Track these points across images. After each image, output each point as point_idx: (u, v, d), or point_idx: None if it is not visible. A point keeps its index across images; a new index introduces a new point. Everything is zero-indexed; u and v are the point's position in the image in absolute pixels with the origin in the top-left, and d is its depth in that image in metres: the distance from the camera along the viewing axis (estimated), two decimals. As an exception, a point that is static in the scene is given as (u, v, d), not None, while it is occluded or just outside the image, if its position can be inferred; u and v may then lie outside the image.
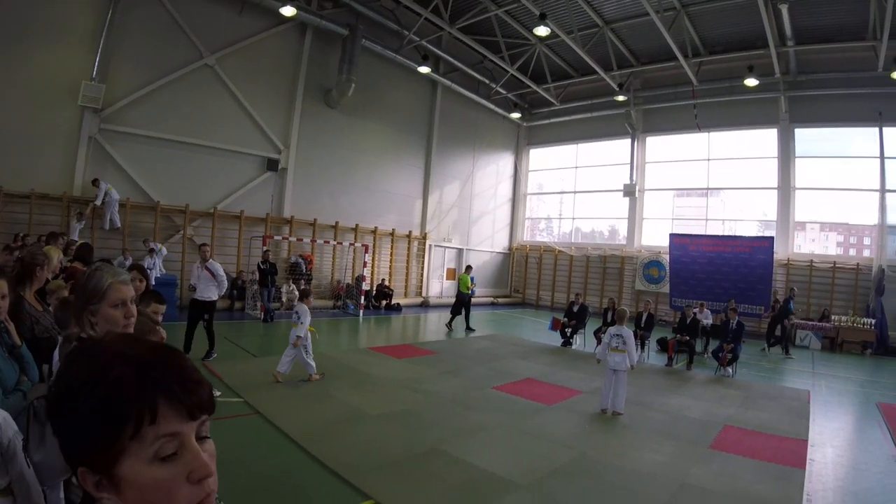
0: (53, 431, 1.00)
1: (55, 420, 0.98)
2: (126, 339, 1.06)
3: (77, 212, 15.69)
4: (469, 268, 20.45)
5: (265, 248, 18.17)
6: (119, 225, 16.25)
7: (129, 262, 14.86)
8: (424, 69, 23.92)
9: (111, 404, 0.92)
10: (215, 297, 11.37)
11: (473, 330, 18.87)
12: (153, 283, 15.19)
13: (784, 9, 17.32)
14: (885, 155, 21.20)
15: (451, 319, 19.18)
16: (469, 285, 19.29)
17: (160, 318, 4.17)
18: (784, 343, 18.51)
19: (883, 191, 21.16)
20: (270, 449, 6.68)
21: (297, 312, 10.02)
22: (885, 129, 21.15)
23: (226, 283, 11.69)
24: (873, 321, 19.88)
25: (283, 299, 19.76)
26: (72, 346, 2.77)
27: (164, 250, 16.65)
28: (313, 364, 9.99)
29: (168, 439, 0.94)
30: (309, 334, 9.94)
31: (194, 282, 11.21)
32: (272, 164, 20.35)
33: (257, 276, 17.87)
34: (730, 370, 13.83)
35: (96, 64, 15.76)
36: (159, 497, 0.93)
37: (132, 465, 0.92)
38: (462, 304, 19.19)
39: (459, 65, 25.00)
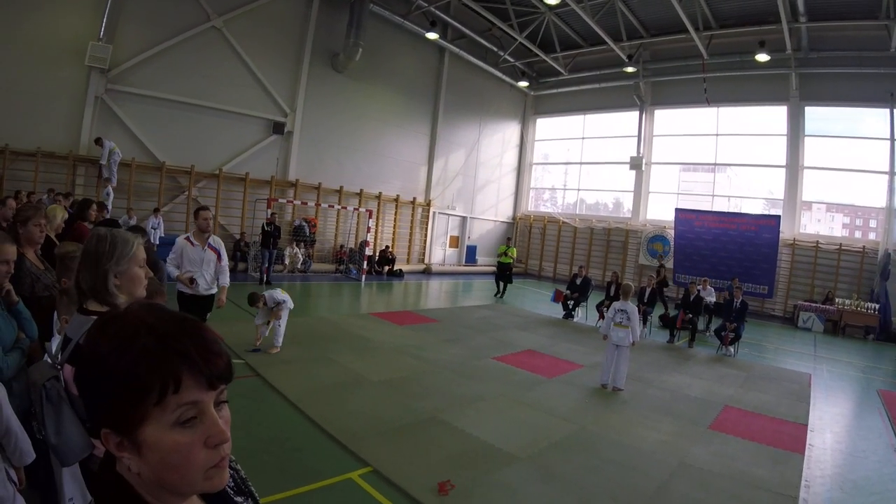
0: (80, 394, 1.08)
1: (82, 385, 1.06)
2: (150, 309, 1.08)
3: (105, 177, 15.75)
4: (509, 240, 22.44)
5: (271, 211, 18.15)
6: (115, 182, 16.15)
7: (132, 222, 14.90)
8: (432, 35, 23.70)
9: (137, 373, 0.97)
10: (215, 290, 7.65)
11: (502, 297, 20.39)
12: (157, 243, 15.34)
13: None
14: (895, 137, 20.94)
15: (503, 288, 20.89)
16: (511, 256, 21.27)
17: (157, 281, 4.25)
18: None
19: (892, 173, 20.95)
20: (270, 412, 6.72)
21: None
22: (896, 111, 20.88)
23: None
24: (877, 306, 19.78)
25: (286, 262, 19.78)
26: (72, 301, 2.75)
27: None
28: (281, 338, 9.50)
29: (189, 407, 1.00)
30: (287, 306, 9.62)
31: (190, 268, 7.30)
32: (278, 127, 20.26)
33: (261, 237, 17.80)
34: (732, 349, 13.84)
35: (103, 24, 15.66)
36: (178, 460, 0.99)
37: (154, 429, 0.98)
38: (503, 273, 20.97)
39: (467, 32, 24.69)
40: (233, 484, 1.27)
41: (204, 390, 1.02)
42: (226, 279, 7.63)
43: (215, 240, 7.62)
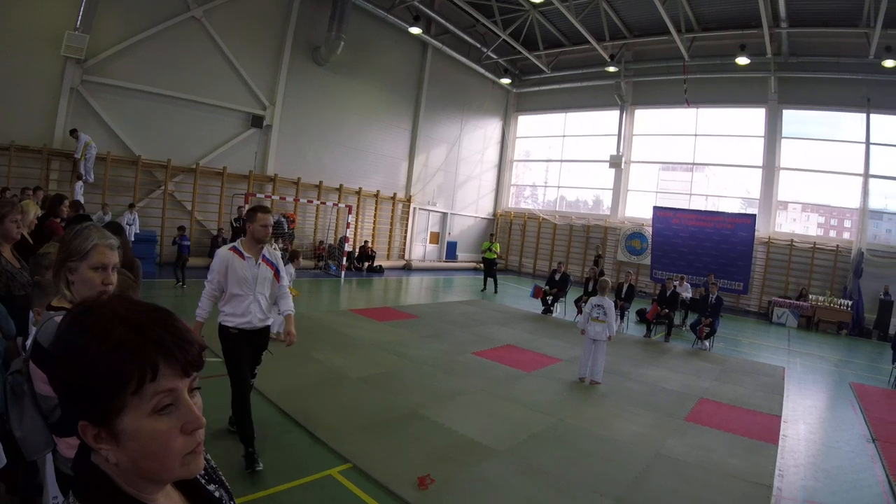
0: (54, 388, 1.06)
1: (56, 378, 1.05)
2: (122, 301, 1.10)
3: (77, 173, 15.51)
4: (492, 235, 22.78)
5: (240, 206, 17.99)
6: (91, 179, 15.93)
7: (108, 218, 14.71)
8: (416, 30, 23.64)
9: (114, 364, 0.98)
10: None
11: (496, 292, 21.13)
12: (132, 239, 15.16)
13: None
14: (871, 141, 21.33)
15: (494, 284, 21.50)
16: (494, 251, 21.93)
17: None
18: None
19: (866, 175, 21.36)
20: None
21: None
22: (872, 116, 21.26)
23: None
24: (850, 303, 20.23)
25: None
26: (44, 293, 2.74)
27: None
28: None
29: (165, 394, 1.02)
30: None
31: (238, 290, 5.31)
32: (257, 121, 20.10)
33: (231, 233, 17.62)
34: (707, 343, 14.05)
35: (81, 13, 15.35)
36: (156, 447, 1.02)
37: (132, 418, 1.00)
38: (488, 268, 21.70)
39: (451, 27, 24.70)
40: (204, 473, 1.29)
41: (179, 378, 1.04)
42: (289, 304, 5.74)
43: (271, 252, 5.55)
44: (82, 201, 14.84)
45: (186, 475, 1.09)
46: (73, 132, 15.30)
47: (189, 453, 1.05)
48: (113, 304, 1.07)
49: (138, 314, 1.05)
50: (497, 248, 22.35)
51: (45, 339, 2.19)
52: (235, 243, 5.36)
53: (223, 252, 5.29)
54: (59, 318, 2.26)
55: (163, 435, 1.02)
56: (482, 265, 22.47)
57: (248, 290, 5.27)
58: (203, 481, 1.27)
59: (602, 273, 18.04)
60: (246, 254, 5.26)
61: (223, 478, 1.36)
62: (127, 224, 15.53)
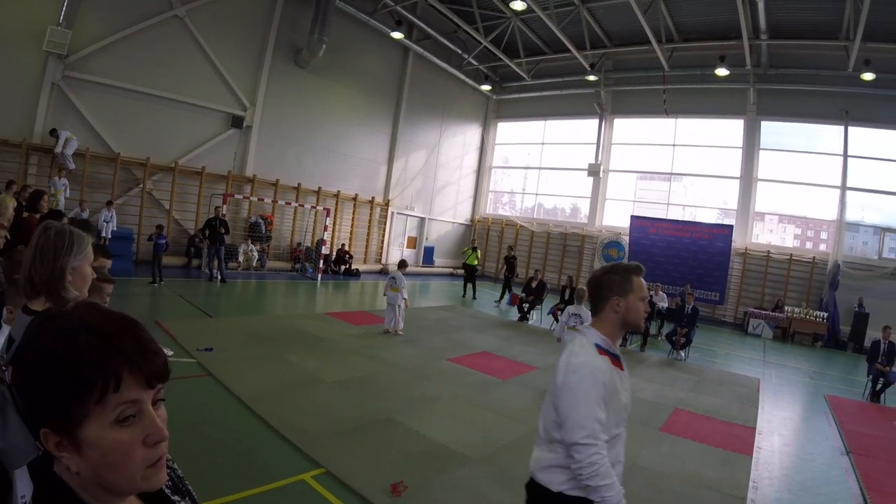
0: (18, 393, 1.06)
1: (21, 384, 1.03)
2: (90, 308, 1.09)
3: (57, 166, 15.32)
4: (474, 241, 23.12)
5: (217, 206, 17.79)
6: (72, 166, 15.70)
7: (85, 215, 14.56)
8: (397, 35, 23.64)
9: (78, 372, 0.98)
10: None
11: (475, 298, 21.37)
12: (109, 236, 15.00)
13: (760, 1, 17.45)
14: (849, 153, 21.61)
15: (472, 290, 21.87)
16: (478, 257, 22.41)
17: (107, 273, 4.21)
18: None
19: (844, 188, 21.63)
20: (221, 412, 6.60)
21: (393, 277, 12.39)
22: (850, 128, 21.56)
23: None
24: (826, 314, 20.41)
25: (241, 259, 19.52)
26: (17, 293, 2.67)
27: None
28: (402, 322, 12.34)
29: (128, 405, 1.01)
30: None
31: (618, 429, 2.93)
32: (237, 121, 19.94)
33: (207, 233, 17.39)
34: (683, 354, 14.11)
35: (64, 8, 15.16)
36: (117, 458, 1.01)
37: (94, 428, 0.99)
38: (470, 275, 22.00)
39: (433, 33, 24.68)
40: (170, 483, 1.28)
41: (143, 389, 1.04)
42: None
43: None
44: (67, 195, 14.72)
45: (148, 488, 1.08)
46: (53, 132, 15.11)
47: (150, 466, 1.05)
48: (80, 311, 1.06)
49: (105, 323, 1.04)
50: (478, 254, 22.40)
51: None
52: (596, 338, 2.90)
53: (597, 363, 2.77)
54: None
55: (124, 446, 1.01)
56: (463, 271, 22.39)
57: (622, 425, 2.99)
58: (168, 492, 1.25)
59: (513, 270, 18.33)
60: (617, 355, 2.94)
61: (190, 487, 1.34)
62: (104, 221, 15.39)
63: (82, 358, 0.98)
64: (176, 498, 1.26)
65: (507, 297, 20.80)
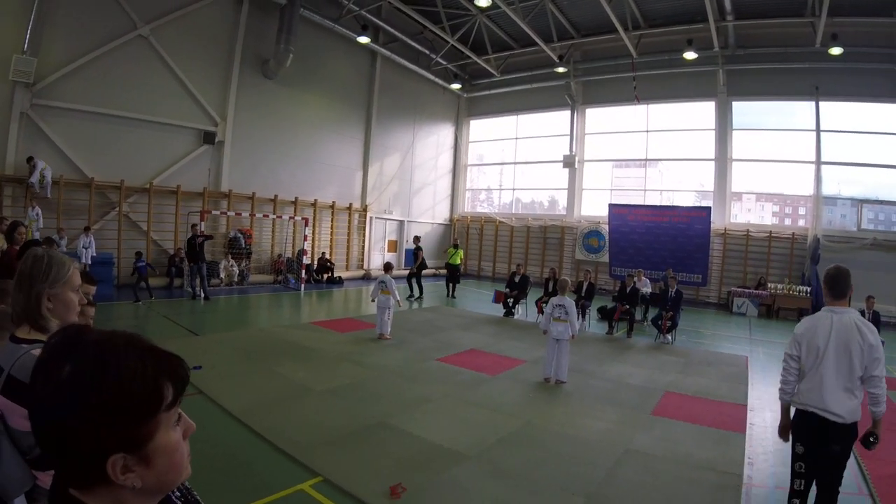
0: (78, 433, 0.99)
1: (80, 422, 0.98)
2: (101, 333, 1.10)
3: (31, 196, 15.16)
4: (457, 240, 23.24)
5: (194, 224, 17.65)
6: (49, 195, 15.57)
7: (63, 242, 14.44)
8: (364, 39, 23.65)
9: (156, 386, 1.05)
10: None
11: (454, 297, 21.21)
12: (89, 262, 14.87)
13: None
14: (822, 128, 21.84)
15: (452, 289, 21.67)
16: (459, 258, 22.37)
17: (91, 299, 4.19)
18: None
19: (818, 163, 21.85)
20: (214, 428, 6.57)
21: (382, 281, 12.36)
22: (821, 104, 21.79)
23: None
24: (808, 289, 20.55)
25: (222, 276, 19.41)
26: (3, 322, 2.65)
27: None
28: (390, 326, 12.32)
29: (177, 407, 1.12)
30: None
31: None
32: (209, 137, 19.79)
33: (186, 251, 17.28)
34: (669, 337, 14.22)
35: (27, 36, 14.94)
36: (178, 457, 1.11)
37: (163, 434, 1.07)
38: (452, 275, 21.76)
39: (399, 35, 24.70)
40: (179, 494, 1.31)
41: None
42: None
43: None
44: (40, 226, 14.55)
45: (184, 479, 1.18)
46: (30, 160, 14.97)
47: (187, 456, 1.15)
48: (99, 336, 1.07)
49: (130, 338, 1.09)
50: (461, 254, 22.41)
51: (26, 376, 2.13)
52: (856, 313, 4.51)
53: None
54: (36, 352, 2.21)
55: (180, 444, 1.12)
56: (445, 271, 22.39)
57: None
58: (180, 503, 1.29)
59: (423, 267, 18.80)
60: None
61: (198, 497, 1.38)
62: (83, 247, 15.26)
63: (156, 373, 1.05)
64: None
65: (417, 292, 20.65)
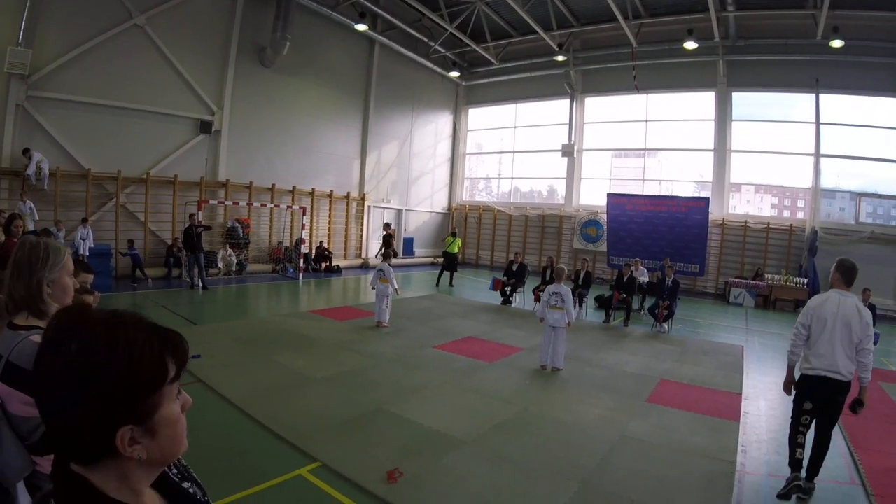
0: (85, 408, 1.02)
1: (93, 394, 1.02)
2: (105, 311, 1.14)
3: (27, 186, 15.12)
4: (454, 230, 23.17)
5: (192, 214, 17.59)
6: (45, 187, 15.55)
7: (61, 234, 14.42)
8: (361, 27, 23.55)
9: (161, 359, 1.10)
10: None
11: (451, 285, 21.26)
12: (87, 254, 14.85)
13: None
14: (821, 121, 21.78)
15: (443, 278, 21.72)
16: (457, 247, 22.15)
17: (90, 287, 4.25)
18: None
19: (818, 155, 21.80)
20: (213, 416, 6.63)
21: (381, 270, 12.43)
22: (821, 96, 21.70)
23: None
24: (805, 280, 20.68)
25: (220, 265, 19.40)
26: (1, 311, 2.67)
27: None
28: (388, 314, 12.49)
29: (178, 380, 1.16)
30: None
31: None
32: (205, 127, 19.74)
33: (182, 240, 17.26)
34: (665, 326, 14.30)
35: (22, 27, 14.81)
36: (179, 427, 1.16)
37: (167, 406, 1.12)
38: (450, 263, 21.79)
39: (397, 22, 24.57)
40: (176, 472, 1.35)
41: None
42: None
43: None
44: (35, 219, 14.50)
45: (183, 451, 1.21)
46: (26, 151, 14.92)
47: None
48: (105, 315, 1.12)
49: (134, 316, 1.13)
50: (459, 243, 22.43)
51: (25, 361, 2.16)
52: (856, 298, 5.77)
53: None
54: (35, 338, 2.25)
55: (180, 416, 1.16)
56: (443, 259, 22.42)
57: None
58: (177, 479, 1.33)
59: (394, 255, 18.89)
60: None
61: (195, 475, 1.42)
62: (81, 239, 15.20)
63: (161, 347, 1.10)
64: (186, 484, 1.35)
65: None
